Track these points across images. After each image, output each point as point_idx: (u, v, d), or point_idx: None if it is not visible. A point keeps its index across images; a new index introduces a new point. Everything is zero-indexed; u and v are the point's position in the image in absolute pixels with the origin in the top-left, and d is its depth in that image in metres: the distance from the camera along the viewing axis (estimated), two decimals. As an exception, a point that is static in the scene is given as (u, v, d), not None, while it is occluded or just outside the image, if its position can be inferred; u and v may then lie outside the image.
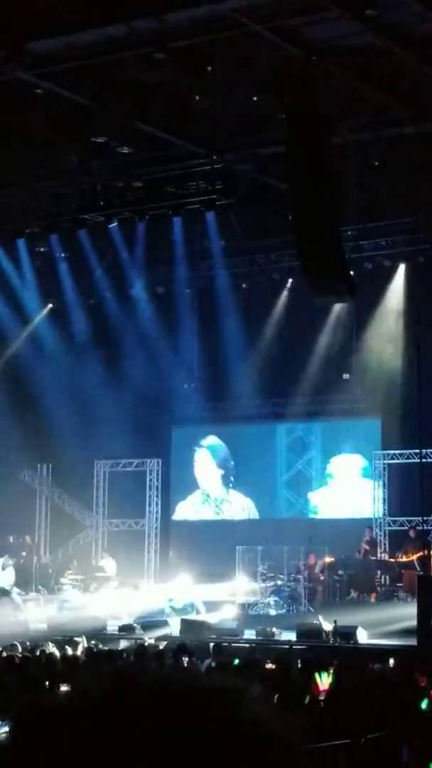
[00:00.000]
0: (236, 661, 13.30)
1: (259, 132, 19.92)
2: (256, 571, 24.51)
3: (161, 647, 16.30)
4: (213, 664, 13.27)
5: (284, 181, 19.15)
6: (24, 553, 27.94)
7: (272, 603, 23.39)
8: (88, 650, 14.43)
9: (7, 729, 7.41)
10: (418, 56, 17.39)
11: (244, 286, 26.25)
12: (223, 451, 28.27)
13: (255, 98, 18.90)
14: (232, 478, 28.24)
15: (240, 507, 28.00)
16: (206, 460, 28.44)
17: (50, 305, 28.07)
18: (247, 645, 18.86)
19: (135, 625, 21.75)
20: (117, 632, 21.45)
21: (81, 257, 25.58)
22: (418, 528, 22.87)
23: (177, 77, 18.06)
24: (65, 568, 28.05)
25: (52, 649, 14.33)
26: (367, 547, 24.23)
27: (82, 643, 15.76)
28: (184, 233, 24.32)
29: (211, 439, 28.35)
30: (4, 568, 24.78)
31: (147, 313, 27.30)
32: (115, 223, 23.47)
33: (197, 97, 18.87)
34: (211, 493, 28.49)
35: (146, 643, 17.13)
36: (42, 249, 25.76)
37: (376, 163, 21.39)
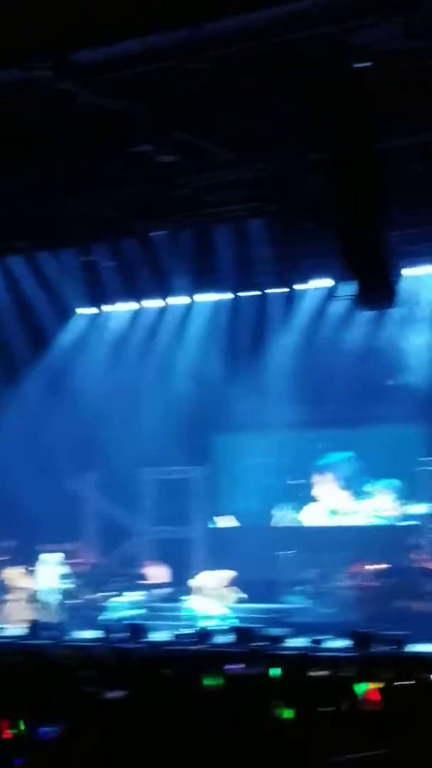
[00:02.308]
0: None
1: (303, 138, 19.88)
2: (300, 578, 24.54)
3: (207, 654, 16.30)
4: (259, 671, 13.25)
5: (329, 187, 19.11)
6: (72, 560, 28.10)
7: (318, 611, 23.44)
8: (136, 657, 14.42)
9: (59, 730, 7.49)
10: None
11: (289, 292, 26.25)
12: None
13: (298, 105, 18.86)
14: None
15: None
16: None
17: (95, 313, 28.20)
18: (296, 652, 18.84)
19: (185, 633, 21.83)
20: (167, 639, 21.55)
21: (126, 267, 25.65)
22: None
23: (218, 85, 18.05)
24: (112, 576, 28.19)
25: (101, 654, 14.38)
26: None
27: (130, 650, 15.81)
28: (227, 242, 24.33)
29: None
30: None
31: (193, 320, 27.34)
32: (159, 232, 23.53)
33: (239, 104, 18.86)
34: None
35: (192, 650, 17.16)
36: (86, 259, 25.82)
37: (420, 169, 21.31)
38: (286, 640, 20.68)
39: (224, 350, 27.19)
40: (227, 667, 12.92)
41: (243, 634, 21.15)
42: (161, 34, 16.20)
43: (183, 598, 24.32)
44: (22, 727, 8.38)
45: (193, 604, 23.67)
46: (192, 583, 27.03)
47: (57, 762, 7.66)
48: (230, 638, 21.21)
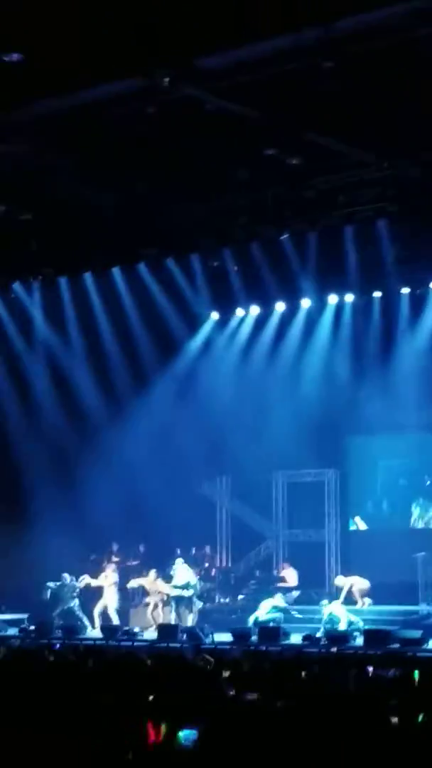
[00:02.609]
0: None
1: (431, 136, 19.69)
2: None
3: (346, 657, 16.23)
4: (396, 674, 13.15)
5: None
6: (206, 564, 28.24)
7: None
8: (273, 660, 14.43)
9: (196, 735, 7.50)
10: None
11: (417, 292, 26.00)
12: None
13: (428, 102, 18.66)
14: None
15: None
16: None
17: (224, 318, 28.29)
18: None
19: (320, 636, 21.78)
20: (301, 642, 21.53)
21: (253, 271, 25.64)
22: None
23: (345, 85, 17.95)
24: (247, 579, 28.27)
25: (238, 658, 14.41)
26: None
27: (266, 654, 15.82)
28: (356, 242, 24.15)
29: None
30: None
31: (321, 322, 27.24)
32: (287, 235, 23.49)
33: (367, 104, 18.72)
34: None
35: (330, 654, 17.11)
36: (215, 263, 25.88)
37: None
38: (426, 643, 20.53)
39: (353, 352, 27.02)
40: (366, 669, 12.84)
41: (379, 636, 21.04)
42: (290, 35, 16.16)
43: (318, 600, 24.23)
44: (166, 729, 8.45)
45: (328, 606, 23.56)
46: (327, 586, 26.96)
47: (197, 763, 7.69)
48: (366, 640, 21.11)
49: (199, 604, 25.74)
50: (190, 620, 25.03)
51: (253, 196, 22.99)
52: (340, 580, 25.15)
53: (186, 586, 25.60)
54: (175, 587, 25.40)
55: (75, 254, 25.27)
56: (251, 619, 24.19)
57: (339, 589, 24.91)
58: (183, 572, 26.08)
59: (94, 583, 25.76)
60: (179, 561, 26.48)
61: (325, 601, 23.93)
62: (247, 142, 19.96)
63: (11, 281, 26.77)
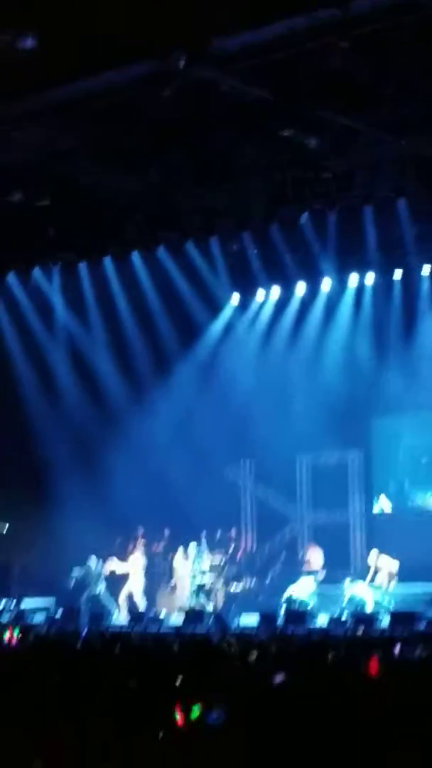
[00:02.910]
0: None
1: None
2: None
3: (372, 639, 16.23)
4: (423, 654, 13.14)
5: None
6: (231, 547, 28.25)
7: None
8: (299, 643, 14.43)
9: (223, 719, 7.49)
10: None
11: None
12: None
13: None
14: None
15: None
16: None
17: (245, 302, 28.24)
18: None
19: (347, 618, 21.76)
20: (328, 624, 21.52)
21: (273, 254, 25.58)
22: None
23: (361, 64, 17.87)
24: (273, 562, 28.27)
25: (264, 641, 14.41)
26: None
27: (292, 636, 15.83)
28: (375, 222, 24.04)
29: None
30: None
31: (342, 303, 27.16)
32: (306, 217, 23.41)
33: (383, 83, 18.64)
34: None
35: (356, 635, 17.10)
36: (234, 247, 25.83)
37: None
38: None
39: (374, 332, 26.94)
40: (393, 650, 12.82)
41: (405, 617, 21.02)
42: (305, 15, 16.08)
43: (343, 582, 24.20)
44: (196, 714, 8.44)
45: (353, 588, 23.56)
46: (352, 567, 26.95)
47: (223, 747, 7.70)
48: (392, 621, 21.09)
49: (224, 588, 25.80)
50: (215, 604, 25.10)
51: (271, 179, 22.93)
52: (374, 556, 25.05)
53: (210, 570, 25.69)
54: (200, 570, 25.48)
55: (94, 240, 25.28)
56: (277, 602, 24.23)
57: (368, 567, 24.92)
58: (207, 556, 26.21)
59: (120, 569, 25.78)
60: (203, 544, 26.60)
61: (347, 581, 23.92)
62: (264, 123, 19.93)
63: (30, 268, 26.80)
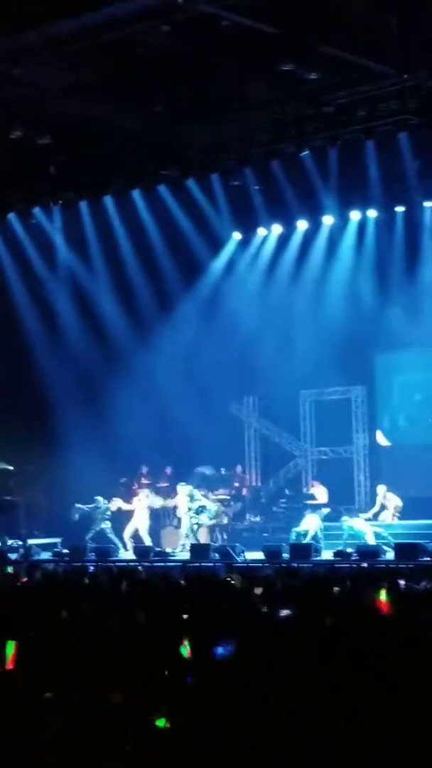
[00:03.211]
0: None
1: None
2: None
3: (377, 572, 16.35)
4: (429, 587, 13.26)
5: None
6: (236, 484, 28.40)
7: None
8: (305, 576, 14.56)
9: (231, 649, 7.58)
10: None
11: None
12: None
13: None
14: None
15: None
16: None
17: (247, 238, 28.17)
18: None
19: (351, 552, 21.92)
20: (333, 558, 21.68)
21: (275, 189, 25.45)
22: None
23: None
24: (278, 497, 28.43)
25: (269, 575, 14.55)
26: None
27: (297, 570, 15.96)
28: (377, 156, 23.89)
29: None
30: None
31: (345, 238, 27.08)
32: (307, 152, 23.26)
33: (384, 16, 18.45)
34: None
35: (361, 568, 17.24)
36: (236, 183, 25.70)
37: None
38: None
39: (377, 268, 26.88)
40: (398, 582, 12.93)
41: (409, 550, 21.17)
42: None
43: (346, 517, 24.34)
44: (201, 646, 8.56)
45: (356, 522, 23.70)
46: (357, 502, 27.11)
47: (230, 679, 7.79)
48: (396, 554, 21.24)
49: (229, 523, 26.01)
50: (221, 539, 25.31)
51: (272, 114, 22.75)
52: (382, 492, 25.17)
53: (215, 506, 25.87)
54: (204, 507, 25.64)
55: (94, 178, 25.16)
56: (282, 537, 24.42)
57: (373, 502, 25.12)
58: (212, 492, 26.40)
59: (125, 506, 25.95)
60: (208, 481, 26.81)
61: (345, 517, 24.08)
62: (264, 58, 19.73)
63: (31, 207, 26.68)
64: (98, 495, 25.90)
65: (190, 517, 25.39)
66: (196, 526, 25.46)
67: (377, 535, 23.20)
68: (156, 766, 5.83)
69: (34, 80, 20.46)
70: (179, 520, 25.84)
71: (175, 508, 26.19)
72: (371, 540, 22.95)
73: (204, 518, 25.60)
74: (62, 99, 21.33)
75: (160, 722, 6.50)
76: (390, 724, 6.18)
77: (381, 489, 25.36)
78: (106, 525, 25.78)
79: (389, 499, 24.99)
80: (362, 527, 23.47)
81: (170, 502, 26.38)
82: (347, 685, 6.91)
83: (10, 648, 8.39)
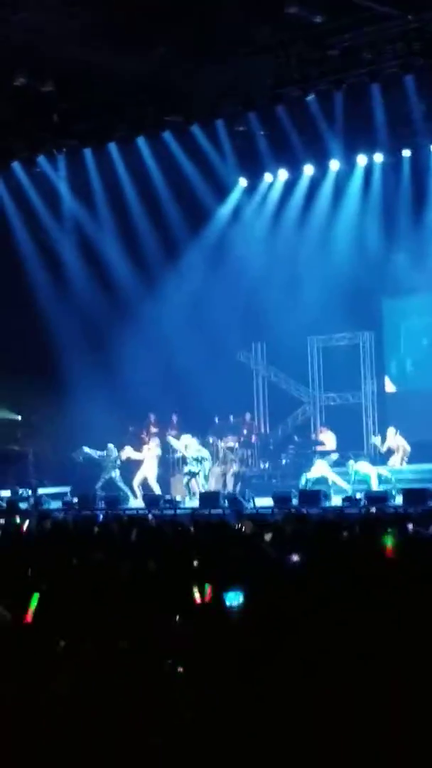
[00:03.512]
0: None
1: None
2: None
3: (385, 517, 16.37)
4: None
5: None
6: (245, 431, 28.43)
7: None
8: (314, 522, 14.57)
9: (240, 599, 7.59)
10: None
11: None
12: None
13: None
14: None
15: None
16: None
17: (253, 184, 28.03)
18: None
19: (358, 496, 21.96)
20: (341, 504, 21.72)
21: (281, 134, 25.28)
22: None
23: None
24: (286, 444, 28.46)
25: (279, 521, 14.57)
26: None
27: (307, 516, 15.97)
28: (383, 100, 23.67)
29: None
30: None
31: (351, 184, 26.93)
32: (313, 96, 23.07)
33: None
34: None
35: (370, 513, 17.27)
36: (241, 128, 25.53)
37: None
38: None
39: (384, 213, 26.75)
40: (407, 527, 12.94)
41: (418, 494, 21.21)
42: None
43: (352, 461, 24.38)
44: (212, 592, 8.57)
45: (362, 466, 23.74)
46: (365, 448, 27.14)
47: (239, 625, 7.83)
48: (405, 499, 21.28)
49: (238, 470, 26.09)
50: (230, 486, 25.38)
51: (277, 58, 22.53)
52: (391, 435, 25.19)
53: (223, 454, 25.93)
54: (213, 455, 25.74)
55: (98, 125, 25.00)
56: (291, 483, 24.48)
57: (381, 447, 25.19)
58: (220, 440, 26.46)
59: (135, 455, 26.00)
60: (216, 428, 26.84)
61: (351, 461, 24.12)
62: (268, 1, 19.54)
63: (35, 155, 26.54)
64: (108, 443, 25.96)
65: (189, 468, 25.51)
66: (189, 476, 25.48)
67: (383, 479, 23.24)
68: (166, 716, 5.86)
69: (35, 27, 20.27)
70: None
71: (181, 457, 26.30)
72: (375, 483, 23.04)
73: (198, 468, 25.57)
74: (65, 45, 21.12)
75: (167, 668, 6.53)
76: (400, 667, 6.21)
77: (391, 431, 25.40)
78: (116, 473, 25.87)
79: (399, 443, 25.03)
80: (368, 470, 23.52)
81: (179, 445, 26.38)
82: (357, 629, 6.94)
83: (35, 601, 8.40)
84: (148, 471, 25.68)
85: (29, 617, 8.24)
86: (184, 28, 20.34)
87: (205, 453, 25.79)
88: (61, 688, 6.19)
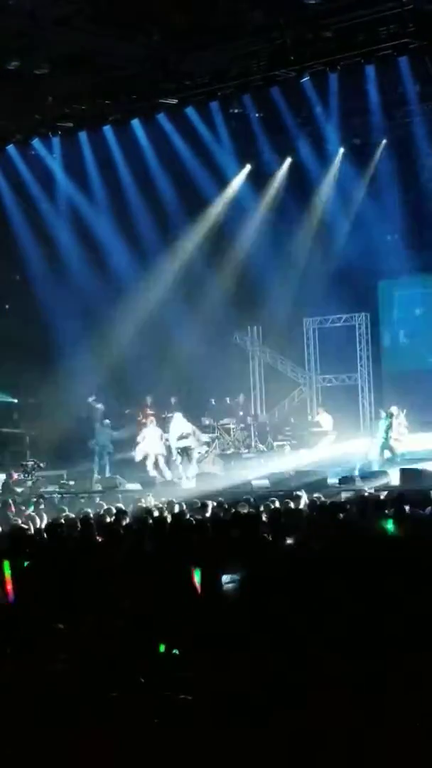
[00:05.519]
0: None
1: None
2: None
3: (382, 497, 16.43)
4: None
5: None
6: (241, 413, 28.47)
7: None
8: (311, 504, 14.64)
9: (236, 580, 7.67)
10: None
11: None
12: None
13: None
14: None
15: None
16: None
17: (248, 166, 28.01)
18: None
19: (355, 476, 21.97)
20: (337, 485, 21.74)
21: (275, 115, 25.27)
22: None
23: None
24: (283, 426, 28.50)
25: (276, 504, 14.62)
26: None
27: (304, 498, 16.03)
28: (377, 81, 23.67)
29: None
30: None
31: (345, 166, 26.95)
32: (307, 77, 23.05)
33: None
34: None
35: (366, 494, 17.30)
36: (236, 110, 25.51)
37: None
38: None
39: (379, 195, 26.78)
40: (404, 507, 12.99)
41: (414, 474, 21.24)
42: None
43: (351, 443, 24.42)
44: (208, 574, 8.66)
45: (362, 447, 23.79)
46: (362, 428, 27.19)
47: (238, 606, 7.90)
48: (401, 479, 21.31)
49: (234, 452, 26.11)
50: (190, 471, 25.24)
51: (271, 40, 22.49)
52: (395, 411, 25.24)
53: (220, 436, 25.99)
54: (211, 437, 25.76)
55: (93, 107, 24.97)
56: (288, 465, 24.57)
57: (377, 428, 25.24)
58: (216, 423, 26.45)
59: (140, 443, 25.93)
60: (211, 410, 26.83)
61: (357, 442, 24.15)
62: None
63: (30, 138, 26.51)
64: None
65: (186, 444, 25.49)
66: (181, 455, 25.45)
67: (386, 460, 23.29)
68: (162, 695, 5.92)
69: (31, 10, 20.22)
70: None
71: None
72: (377, 464, 23.09)
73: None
74: (60, 28, 21.07)
75: (162, 648, 6.60)
76: (395, 645, 6.27)
77: (394, 409, 25.42)
78: (110, 448, 25.77)
79: (401, 423, 25.06)
80: (370, 451, 23.57)
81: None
82: (353, 607, 7.00)
83: (7, 569, 8.48)
84: (158, 452, 25.23)
85: (8, 587, 8.29)
86: (178, 11, 20.29)
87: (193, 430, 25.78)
88: (59, 668, 6.25)
